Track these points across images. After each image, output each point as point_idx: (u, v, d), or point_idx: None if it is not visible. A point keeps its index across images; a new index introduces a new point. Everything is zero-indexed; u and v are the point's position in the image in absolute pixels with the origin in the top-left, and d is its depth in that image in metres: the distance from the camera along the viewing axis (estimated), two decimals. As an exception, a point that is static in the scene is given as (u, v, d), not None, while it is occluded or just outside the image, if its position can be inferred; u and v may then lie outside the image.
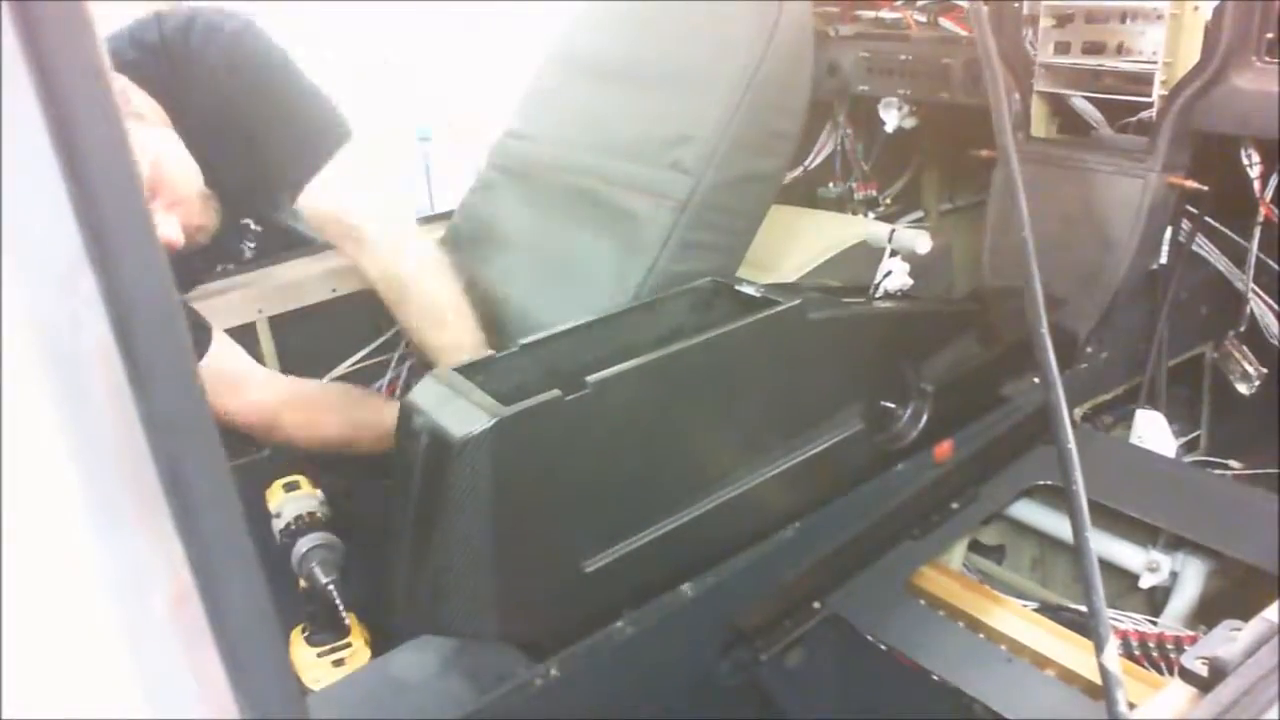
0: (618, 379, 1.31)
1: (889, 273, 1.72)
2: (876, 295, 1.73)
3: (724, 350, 1.41)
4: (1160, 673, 1.45)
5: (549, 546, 1.34)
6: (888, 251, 1.73)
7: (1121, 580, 1.74)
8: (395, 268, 1.74)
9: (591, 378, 1.29)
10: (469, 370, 1.35)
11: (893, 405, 1.74)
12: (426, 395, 1.31)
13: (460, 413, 1.24)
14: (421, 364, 1.98)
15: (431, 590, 1.31)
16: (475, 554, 1.27)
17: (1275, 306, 2.00)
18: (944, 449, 1.75)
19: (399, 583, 1.34)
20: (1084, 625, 1.44)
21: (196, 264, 1.77)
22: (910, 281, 1.72)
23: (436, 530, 1.26)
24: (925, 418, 1.73)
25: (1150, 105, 1.81)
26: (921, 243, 1.69)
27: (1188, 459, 2.11)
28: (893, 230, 1.74)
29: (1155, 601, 1.73)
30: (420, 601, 1.34)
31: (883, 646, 1.46)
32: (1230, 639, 1.05)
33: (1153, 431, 1.96)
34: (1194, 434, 2.23)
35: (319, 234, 1.80)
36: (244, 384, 1.80)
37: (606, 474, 1.36)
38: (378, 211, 1.74)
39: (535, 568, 1.34)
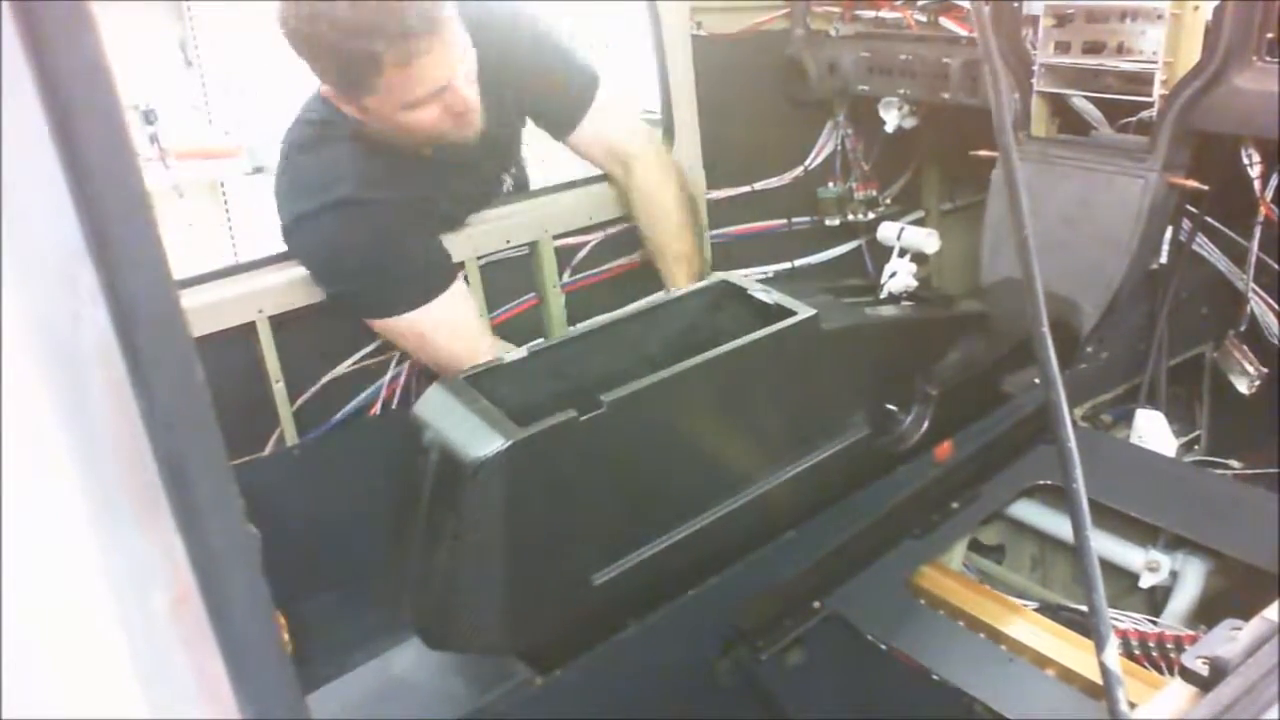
0: (632, 397, 1.28)
1: (894, 273, 1.71)
2: (882, 296, 1.73)
3: (737, 363, 1.40)
4: (1160, 672, 1.45)
5: (560, 562, 1.33)
6: (895, 250, 1.72)
7: (1122, 580, 1.73)
8: (660, 189, 2.03)
9: (607, 396, 1.26)
10: (476, 379, 1.32)
11: (896, 408, 1.74)
12: (434, 407, 1.27)
13: (472, 431, 1.21)
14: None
15: (439, 608, 1.29)
16: (486, 573, 1.25)
17: (1275, 306, 2.00)
18: (944, 449, 1.75)
19: (405, 598, 1.33)
20: (1084, 625, 1.44)
21: (473, 197, 2.02)
22: (915, 283, 1.72)
23: (446, 549, 1.24)
24: (928, 421, 1.73)
25: (1150, 105, 1.80)
26: (930, 243, 1.68)
27: (1188, 459, 2.11)
28: (902, 228, 1.73)
29: (1155, 601, 1.73)
30: (427, 619, 1.33)
31: (883, 646, 1.46)
32: (1230, 638, 1.04)
33: (1153, 431, 1.96)
34: (1194, 434, 2.22)
35: (591, 163, 2.11)
36: (474, 334, 1.88)
37: (619, 488, 1.34)
38: (643, 141, 2.06)
39: (545, 583, 1.32)
